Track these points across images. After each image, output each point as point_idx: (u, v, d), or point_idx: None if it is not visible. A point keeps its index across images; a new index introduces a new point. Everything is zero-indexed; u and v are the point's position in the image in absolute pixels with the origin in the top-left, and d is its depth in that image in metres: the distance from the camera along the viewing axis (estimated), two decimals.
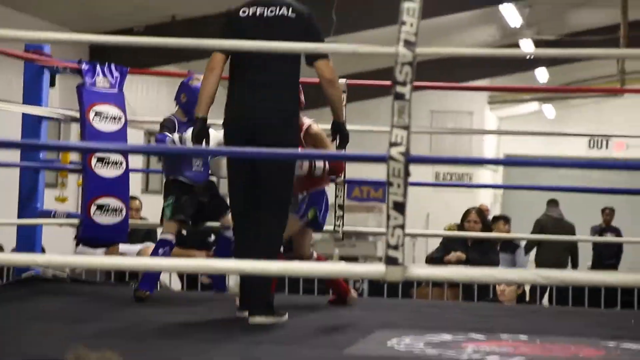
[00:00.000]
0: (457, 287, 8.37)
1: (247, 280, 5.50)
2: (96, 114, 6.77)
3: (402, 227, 3.44)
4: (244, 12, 5.54)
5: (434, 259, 8.72)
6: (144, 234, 9.06)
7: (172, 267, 4.56)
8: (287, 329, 5.37)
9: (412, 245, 17.67)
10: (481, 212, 9.10)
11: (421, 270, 3.46)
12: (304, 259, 6.08)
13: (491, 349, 4.86)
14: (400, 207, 3.44)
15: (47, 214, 7.01)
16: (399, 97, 3.46)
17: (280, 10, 5.51)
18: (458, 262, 8.53)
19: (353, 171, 6.95)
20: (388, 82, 7.80)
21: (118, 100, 6.91)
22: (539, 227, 14.03)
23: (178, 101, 6.40)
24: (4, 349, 4.39)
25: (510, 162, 18.21)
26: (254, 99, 5.46)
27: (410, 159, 3.45)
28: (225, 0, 13.53)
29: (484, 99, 22.41)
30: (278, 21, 5.49)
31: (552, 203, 14.57)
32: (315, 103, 19.03)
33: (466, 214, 8.95)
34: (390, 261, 3.42)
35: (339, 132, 5.71)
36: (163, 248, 6.30)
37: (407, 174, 3.45)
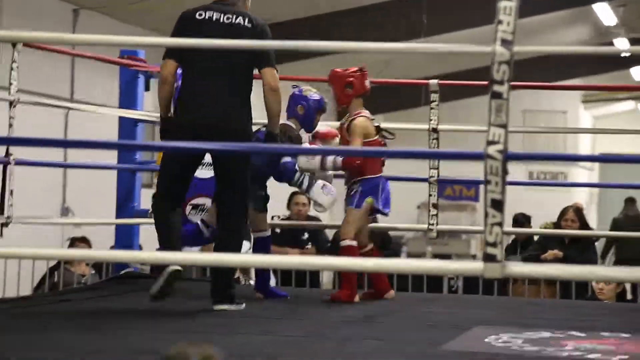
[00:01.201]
0: (554, 285, 8.36)
1: (214, 271, 5.79)
2: None
3: (500, 224, 3.47)
4: (200, 15, 5.65)
5: (530, 257, 8.70)
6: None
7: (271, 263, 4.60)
8: (383, 326, 5.44)
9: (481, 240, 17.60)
10: (579, 210, 9.05)
11: (520, 268, 3.50)
12: (361, 248, 6.37)
13: (592, 347, 4.85)
14: (498, 205, 3.48)
15: (144, 214, 7.17)
16: (497, 95, 3.50)
17: (236, 19, 5.64)
18: (555, 260, 8.50)
19: (444, 170, 6.99)
20: (478, 82, 7.93)
21: None
22: (615, 225, 13.83)
23: (294, 113, 6.41)
24: (105, 344, 4.52)
25: (605, 159, 17.94)
26: (204, 104, 5.59)
27: (508, 157, 3.48)
28: (304, 3, 13.79)
29: (577, 98, 22.21)
30: (235, 29, 5.60)
31: (630, 202, 14.35)
32: (403, 105, 19.05)
33: (563, 212, 8.91)
34: (489, 258, 3.45)
35: (272, 140, 5.80)
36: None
37: (504, 172, 3.49)
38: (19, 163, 6.06)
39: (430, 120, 6.95)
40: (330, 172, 6.43)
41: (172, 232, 5.63)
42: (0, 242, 9.88)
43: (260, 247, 6.43)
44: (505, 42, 3.50)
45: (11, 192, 5.97)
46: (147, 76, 7.38)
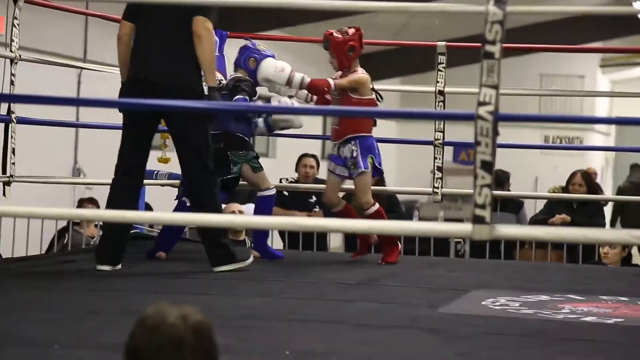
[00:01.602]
0: (562, 250, 8.32)
1: (203, 235, 5.79)
2: None
3: (490, 186, 3.43)
4: None
5: (537, 221, 8.66)
6: (248, 195, 9.14)
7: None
8: (383, 288, 5.43)
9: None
10: (587, 174, 8.99)
11: (508, 230, 3.46)
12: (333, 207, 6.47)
13: (589, 310, 4.84)
14: (488, 167, 3.43)
15: (150, 175, 7.15)
16: (488, 55, 3.45)
17: None
18: (563, 224, 8.46)
19: (458, 134, 6.92)
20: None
21: (218, 63, 6.99)
22: (619, 193, 13.65)
23: (244, 65, 6.38)
24: (102, 305, 4.53)
25: (611, 120, 17.66)
26: (148, 58, 5.59)
27: (498, 118, 3.44)
28: None
29: (595, 62, 22.06)
30: None
31: (636, 168, 14.15)
32: (420, 68, 18.89)
33: (571, 176, 8.86)
34: (478, 220, 3.41)
35: (209, 97, 5.64)
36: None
37: (495, 133, 3.45)
38: (21, 121, 6.03)
39: (437, 82, 6.88)
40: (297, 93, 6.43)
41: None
42: (8, 201, 9.97)
43: (262, 206, 6.40)
44: (498, 2, 3.44)
45: (13, 151, 5.94)
46: None
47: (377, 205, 6.31)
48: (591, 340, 4.10)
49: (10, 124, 5.90)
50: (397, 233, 4.79)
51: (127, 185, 5.72)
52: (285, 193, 8.98)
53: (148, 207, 9.80)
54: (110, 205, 5.65)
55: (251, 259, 5.81)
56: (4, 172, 5.99)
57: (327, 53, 6.33)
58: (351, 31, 6.29)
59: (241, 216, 6.59)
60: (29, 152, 11.08)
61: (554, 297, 5.21)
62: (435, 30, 14.74)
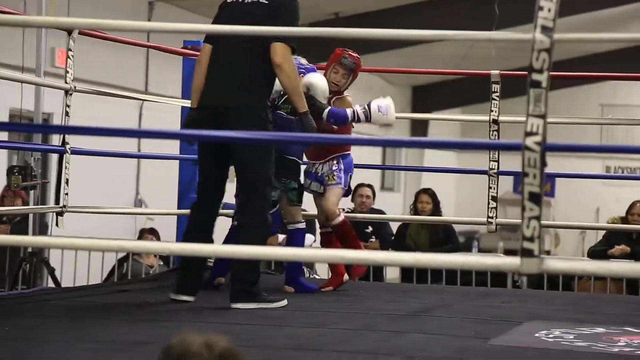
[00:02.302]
0: (621, 281, 8.15)
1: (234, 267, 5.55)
2: None
3: (538, 218, 3.33)
4: None
5: (596, 252, 8.50)
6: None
7: (326, 257, 4.50)
8: (433, 319, 5.33)
9: (582, 240, 17.31)
10: None
11: (558, 264, 3.35)
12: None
13: None
14: (536, 198, 3.34)
15: None
16: (535, 84, 3.36)
17: None
18: (622, 255, 8.30)
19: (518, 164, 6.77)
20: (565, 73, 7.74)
21: None
22: None
23: None
24: (147, 336, 4.48)
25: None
26: (220, 80, 5.48)
27: (546, 148, 3.35)
28: None
29: None
30: (251, 7, 5.47)
31: None
32: (478, 98, 18.68)
33: (631, 206, 8.71)
34: (526, 253, 3.32)
35: (301, 123, 5.57)
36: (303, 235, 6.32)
37: (543, 164, 3.35)
38: (75, 152, 6.02)
39: (492, 111, 6.79)
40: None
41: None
42: (70, 232, 10.04)
43: (294, 238, 6.27)
44: (545, 29, 3.35)
45: (67, 182, 5.93)
46: None
47: (342, 217, 6.28)
48: None
49: (64, 155, 5.89)
50: (446, 267, 4.69)
51: (199, 218, 5.59)
52: None
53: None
54: (184, 236, 5.58)
55: (283, 302, 5.51)
56: (57, 202, 5.99)
57: (343, 72, 6.25)
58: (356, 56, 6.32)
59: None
60: (92, 184, 11.21)
61: (610, 329, 5.07)
62: (494, 60, 14.62)
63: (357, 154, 6.51)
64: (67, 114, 5.94)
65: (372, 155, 16.70)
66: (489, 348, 4.43)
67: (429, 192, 9.18)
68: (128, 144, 11.27)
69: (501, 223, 6.90)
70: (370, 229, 8.90)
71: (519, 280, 8.68)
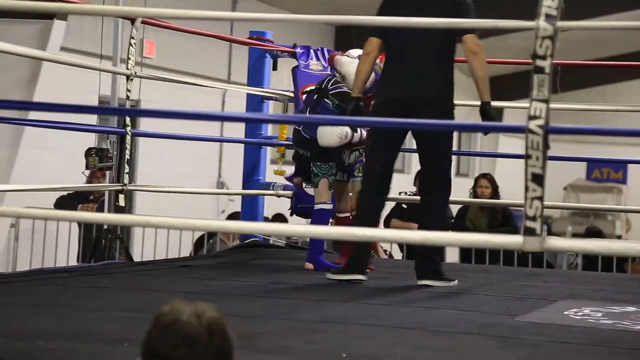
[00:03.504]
0: None
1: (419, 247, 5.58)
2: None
3: (541, 199, 3.31)
4: None
5: None
6: None
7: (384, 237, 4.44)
8: (470, 297, 5.30)
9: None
10: None
11: (560, 242, 3.32)
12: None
13: None
14: (538, 179, 3.31)
15: (267, 186, 7.18)
16: (539, 70, 3.32)
17: None
18: None
19: (593, 152, 6.67)
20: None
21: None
22: None
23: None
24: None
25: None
26: (413, 76, 5.42)
27: (548, 131, 3.31)
28: None
29: None
30: (436, 2, 5.43)
31: None
32: (573, 85, 18.21)
33: None
34: (528, 232, 3.29)
35: (484, 113, 5.45)
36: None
37: (546, 146, 3.31)
38: (136, 134, 6.11)
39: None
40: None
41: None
42: (160, 210, 10.21)
43: (319, 218, 6.13)
44: (549, 17, 3.31)
45: (127, 162, 6.00)
46: (274, 56, 7.35)
47: None
48: None
49: (125, 137, 5.98)
50: (449, 244, 4.64)
51: (379, 205, 5.58)
52: (404, 206, 8.89)
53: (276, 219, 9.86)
54: (360, 220, 5.52)
55: (456, 282, 5.59)
56: (119, 180, 6.08)
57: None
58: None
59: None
60: (176, 166, 11.37)
61: None
62: (573, 51, 14.37)
63: None
64: (127, 97, 6.02)
65: None
66: (513, 324, 4.38)
67: (487, 176, 9.12)
68: (212, 129, 11.42)
69: (548, 206, 6.79)
70: None
71: (575, 262, 8.54)
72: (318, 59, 7.04)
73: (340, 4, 13.17)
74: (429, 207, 5.60)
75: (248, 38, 7.39)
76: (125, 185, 6.02)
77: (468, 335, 4.04)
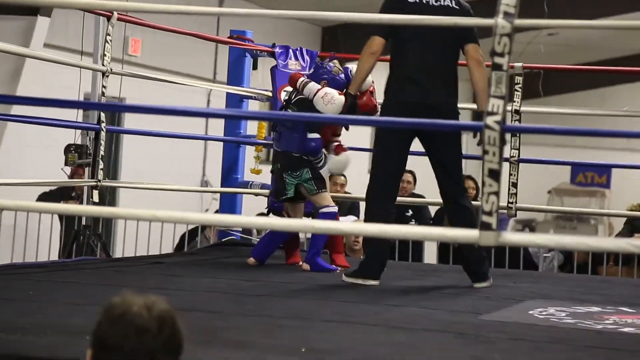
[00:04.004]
0: None
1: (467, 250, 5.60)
2: (286, 93, 6.84)
3: (497, 194, 3.31)
4: None
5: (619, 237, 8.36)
6: (349, 208, 9.09)
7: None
8: (437, 295, 5.31)
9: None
10: None
11: (514, 237, 3.35)
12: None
13: (633, 322, 4.61)
14: (494, 175, 3.31)
15: (245, 185, 7.18)
16: (497, 67, 3.33)
17: (444, 1, 5.47)
18: None
19: (578, 156, 6.69)
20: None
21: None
22: None
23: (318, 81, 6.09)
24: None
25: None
26: (428, 82, 5.44)
27: (505, 128, 3.32)
28: None
29: None
30: (443, 11, 5.43)
31: None
32: (560, 89, 18.31)
33: None
34: (484, 226, 3.30)
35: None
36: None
37: (502, 142, 3.32)
38: (112, 131, 6.11)
39: (514, 102, 6.75)
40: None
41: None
42: (141, 205, 10.20)
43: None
44: (507, 15, 3.33)
45: (102, 158, 6.00)
46: (254, 55, 7.34)
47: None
48: (612, 348, 3.91)
49: (100, 133, 5.98)
50: (408, 237, 4.66)
51: (392, 209, 5.51)
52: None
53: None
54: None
55: (491, 281, 5.66)
56: (93, 176, 6.08)
57: None
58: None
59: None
60: (161, 164, 11.37)
61: (605, 309, 4.99)
62: (545, 56, 14.41)
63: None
64: (102, 94, 6.02)
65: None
66: (477, 322, 4.39)
67: (472, 178, 9.15)
68: (196, 128, 11.43)
69: (521, 208, 6.85)
70: (410, 212, 8.84)
71: (551, 264, 8.55)
72: (297, 59, 7.04)
73: (329, 7, 13.17)
74: (464, 208, 5.57)
75: (228, 37, 7.40)
76: (99, 181, 6.02)
77: (429, 332, 4.06)
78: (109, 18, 6.05)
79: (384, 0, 5.54)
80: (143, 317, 2.36)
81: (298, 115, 5.88)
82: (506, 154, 6.77)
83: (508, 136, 6.66)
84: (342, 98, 5.81)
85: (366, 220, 5.59)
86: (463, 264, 5.69)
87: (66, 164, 7.70)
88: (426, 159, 5.63)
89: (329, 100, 5.85)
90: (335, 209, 6.13)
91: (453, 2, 5.48)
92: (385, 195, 5.50)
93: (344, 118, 5.67)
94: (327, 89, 5.92)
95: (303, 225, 4.70)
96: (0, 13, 8.66)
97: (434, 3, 5.46)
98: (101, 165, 5.97)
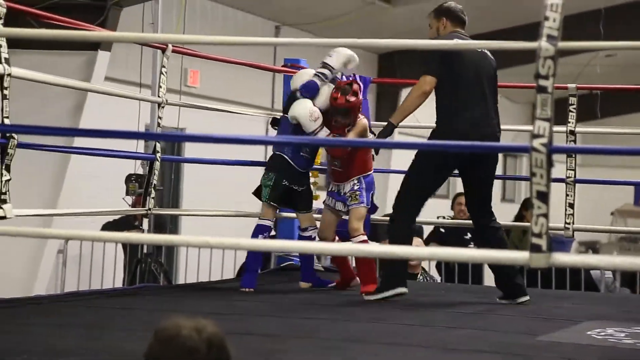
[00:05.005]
0: None
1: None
2: None
3: (546, 216, 3.31)
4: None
5: None
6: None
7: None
8: (493, 318, 5.29)
9: None
10: None
11: (564, 258, 3.32)
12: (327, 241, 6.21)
13: None
14: (543, 197, 3.31)
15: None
16: (542, 90, 3.34)
17: (481, 50, 5.79)
18: None
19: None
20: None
21: (363, 107, 6.98)
22: None
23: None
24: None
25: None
26: (483, 115, 5.70)
27: (552, 150, 3.32)
28: (501, 19, 13.52)
29: None
30: (485, 57, 5.82)
31: None
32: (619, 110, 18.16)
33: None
34: (535, 248, 3.30)
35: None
36: (262, 234, 6.13)
37: (550, 164, 3.33)
38: (165, 160, 6.18)
39: (568, 122, 6.72)
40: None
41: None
42: (204, 233, 10.31)
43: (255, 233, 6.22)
44: (550, 38, 3.34)
45: (154, 187, 6.09)
46: None
47: (364, 236, 6.10)
48: None
49: (154, 162, 6.07)
50: (455, 260, 4.66)
51: (410, 231, 5.79)
52: (442, 230, 8.90)
53: None
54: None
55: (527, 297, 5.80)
56: (144, 205, 6.17)
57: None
58: (355, 87, 6.13)
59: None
60: (221, 192, 11.47)
61: None
62: (602, 78, 14.30)
63: None
64: (158, 124, 6.12)
65: None
66: (533, 343, 4.37)
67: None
68: (256, 155, 11.51)
69: (578, 229, 6.81)
70: (469, 235, 8.82)
71: (612, 286, 8.47)
72: None
73: (381, 37, 13.22)
74: (495, 228, 5.89)
75: (282, 66, 7.46)
76: (149, 210, 6.12)
77: (484, 354, 4.05)
78: (164, 50, 6.15)
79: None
80: (193, 339, 2.41)
81: (340, 140, 5.98)
82: (562, 175, 6.74)
83: (563, 157, 6.64)
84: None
85: (391, 238, 5.75)
86: (508, 281, 5.83)
87: (127, 193, 7.84)
88: None
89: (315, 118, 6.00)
90: (269, 223, 6.23)
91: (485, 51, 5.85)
92: (413, 218, 5.77)
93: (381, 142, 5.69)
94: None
95: (361, 249, 4.69)
96: (63, 49, 8.85)
97: (477, 49, 5.75)
98: (153, 194, 6.05)
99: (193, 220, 11.26)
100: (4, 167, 4.74)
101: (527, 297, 5.76)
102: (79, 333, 4.21)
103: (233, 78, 11.79)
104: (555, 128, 3.32)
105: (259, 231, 6.14)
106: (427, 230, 9.17)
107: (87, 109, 9.03)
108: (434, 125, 5.78)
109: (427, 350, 4.10)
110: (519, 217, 9.74)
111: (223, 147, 10.11)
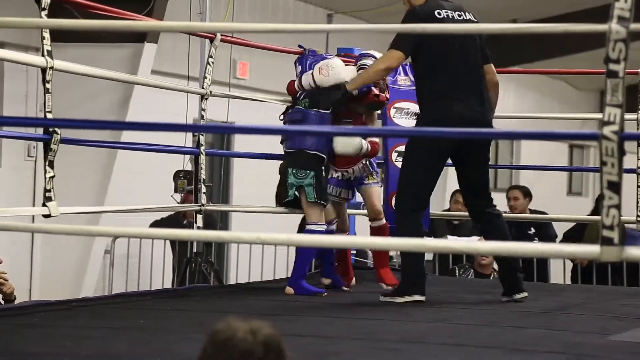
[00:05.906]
0: None
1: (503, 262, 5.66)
2: (397, 110, 6.85)
3: (618, 207, 3.25)
4: (438, 13, 5.52)
5: None
6: (472, 227, 8.98)
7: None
8: (562, 317, 5.23)
9: None
10: None
11: (638, 252, 3.26)
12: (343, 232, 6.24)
13: None
14: (615, 187, 3.25)
15: (358, 206, 7.18)
16: (612, 74, 3.27)
17: (467, 15, 5.62)
18: None
19: None
20: None
21: None
22: None
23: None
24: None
25: None
26: (476, 97, 5.51)
27: (623, 137, 3.26)
28: (565, 2, 13.41)
29: None
30: (467, 20, 5.60)
31: None
32: None
33: None
34: (606, 241, 3.24)
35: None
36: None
37: (621, 152, 3.27)
38: (209, 154, 6.16)
39: (639, 110, 6.65)
40: None
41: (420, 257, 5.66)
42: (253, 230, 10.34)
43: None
44: (621, 20, 3.27)
45: (203, 181, 6.07)
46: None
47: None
48: None
49: (200, 156, 6.07)
50: (523, 255, 4.60)
51: (419, 221, 5.62)
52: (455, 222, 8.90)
53: None
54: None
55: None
56: (195, 201, 6.16)
57: None
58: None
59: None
60: (272, 188, 11.45)
61: None
62: None
63: (546, 157, 6.39)
64: (202, 117, 6.11)
65: (556, 157, 16.40)
66: (605, 343, 4.32)
67: (519, 187, 9.19)
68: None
69: None
70: (532, 230, 8.75)
71: None
72: (406, 74, 7.01)
73: None
74: (497, 215, 5.65)
75: (336, 55, 7.41)
76: (202, 205, 6.09)
77: (551, 354, 3.99)
78: (212, 40, 6.14)
79: (408, 15, 5.52)
80: (248, 341, 2.40)
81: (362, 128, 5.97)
82: (633, 165, 6.64)
83: (633, 147, 6.54)
84: (338, 60, 6.03)
85: (399, 233, 5.57)
86: (510, 275, 5.66)
87: (176, 190, 7.85)
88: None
89: (327, 69, 5.96)
90: (324, 228, 5.91)
91: (471, 15, 5.64)
92: (420, 209, 5.61)
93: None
94: (319, 63, 6.01)
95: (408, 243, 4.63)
96: (109, 41, 8.90)
97: (457, 18, 5.56)
98: (204, 189, 6.03)
99: (244, 219, 11.24)
100: (47, 164, 4.76)
101: (526, 294, 5.58)
102: (129, 336, 4.23)
103: (284, 69, 11.75)
104: (625, 116, 3.27)
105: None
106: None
107: (134, 103, 9.07)
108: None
109: (489, 351, 4.07)
110: (595, 212, 9.62)
111: (273, 141, 10.06)
